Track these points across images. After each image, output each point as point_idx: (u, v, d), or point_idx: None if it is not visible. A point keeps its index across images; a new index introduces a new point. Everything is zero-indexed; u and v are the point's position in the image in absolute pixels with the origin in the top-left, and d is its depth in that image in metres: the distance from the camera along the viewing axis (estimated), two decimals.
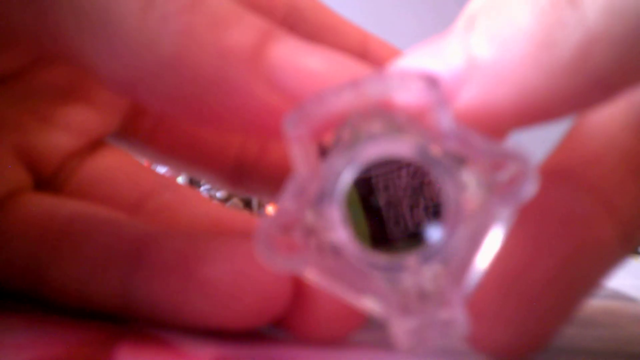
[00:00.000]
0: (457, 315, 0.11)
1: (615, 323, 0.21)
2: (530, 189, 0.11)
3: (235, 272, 0.15)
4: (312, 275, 0.11)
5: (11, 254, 0.17)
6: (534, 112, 0.12)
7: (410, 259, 0.12)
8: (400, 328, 0.11)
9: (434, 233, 0.12)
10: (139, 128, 0.21)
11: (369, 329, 0.18)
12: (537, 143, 0.16)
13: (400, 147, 0.12)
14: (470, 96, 0.12)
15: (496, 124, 0.12)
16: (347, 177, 0.12)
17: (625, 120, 0.14)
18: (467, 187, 0.12)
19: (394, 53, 0.21)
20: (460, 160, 0.12)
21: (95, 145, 0.20)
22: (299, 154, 0.12)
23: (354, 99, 0.12)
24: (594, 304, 0.25)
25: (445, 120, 0.12)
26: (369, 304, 0.11)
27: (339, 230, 0.12)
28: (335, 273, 0.11)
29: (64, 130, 0.20)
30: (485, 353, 0.14)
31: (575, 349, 0.17)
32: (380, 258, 0.12)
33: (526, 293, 0.14)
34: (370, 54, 0.21)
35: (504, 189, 0.11)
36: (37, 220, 0.17)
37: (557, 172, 0.14)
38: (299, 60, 0.13)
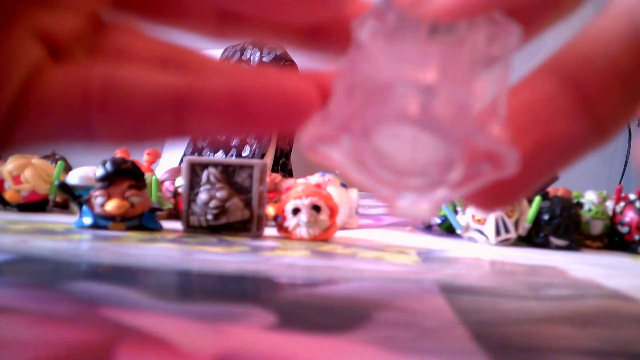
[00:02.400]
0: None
1: (615, 323, 0.21)
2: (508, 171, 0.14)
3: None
4: (341, 161, 0.14)
5: (58, 117, 0.18)
6: None
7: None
8: (399, 202, 0.14)
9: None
10: None
11: (369, 327, 0.18)
12: None
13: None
14: None
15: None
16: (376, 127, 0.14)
17: (623, 32, 0.15)
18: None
19: None
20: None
21: (97, 22, 0.21)
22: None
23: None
24: (594, 304, 0.25)
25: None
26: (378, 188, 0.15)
27: (369, 153, 0.14)
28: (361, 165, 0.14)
29: (67, 10, 0.20)
30: (473, 206, 0.17)
31: (575, 349, 0.17)
32: (391, 176, 0.14)
33: None
34: None
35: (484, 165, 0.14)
36: (77, 84, 0.19)
37: (550, 67, 0.16)
38: None
